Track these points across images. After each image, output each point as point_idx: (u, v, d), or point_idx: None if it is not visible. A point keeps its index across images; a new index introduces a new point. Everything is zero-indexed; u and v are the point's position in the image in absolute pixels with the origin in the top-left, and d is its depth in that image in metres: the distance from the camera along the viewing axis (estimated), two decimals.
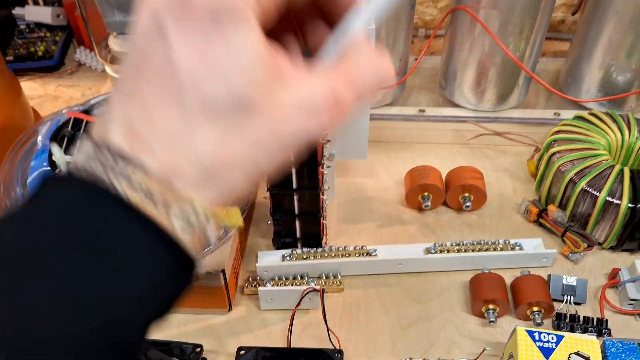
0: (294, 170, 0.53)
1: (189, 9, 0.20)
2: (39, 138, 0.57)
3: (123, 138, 0.21)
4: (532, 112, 0.73)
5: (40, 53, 0.90)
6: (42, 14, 0.92)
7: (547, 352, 0.45)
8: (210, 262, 0.51)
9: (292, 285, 0.56)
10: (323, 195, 0.61)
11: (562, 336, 0.46)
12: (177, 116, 0.20)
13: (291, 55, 0.23)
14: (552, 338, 0.46)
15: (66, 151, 0.53)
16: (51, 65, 0.90)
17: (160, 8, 0.21)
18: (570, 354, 0.45)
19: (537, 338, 0.46)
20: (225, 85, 0.20)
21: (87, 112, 0.57)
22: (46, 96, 0.87)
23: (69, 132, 0.54)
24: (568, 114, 0.70)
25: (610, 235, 0.59)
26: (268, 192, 0.55)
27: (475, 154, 0.73)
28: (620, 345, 0.46)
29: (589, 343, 0.46)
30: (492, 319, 0.53)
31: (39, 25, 0.94)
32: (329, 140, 0.61)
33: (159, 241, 0.20)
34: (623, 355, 0.46)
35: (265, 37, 0.21)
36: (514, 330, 0.47)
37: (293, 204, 0.57)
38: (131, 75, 0.22)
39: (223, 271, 0.52)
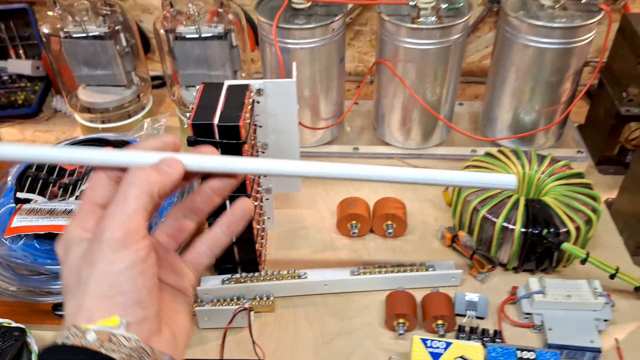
0: (227, 202, 0.61)
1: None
2: (9, 178, 0.66)
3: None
4: (452, 150, 0.82)
5: (20, 101, 1.00)
6: (23, 67, 1.01)
7: (436, 356, 0.53)
8: None
9: (229, 305, 0.64)
10: (260, 224, 0.69)
11: (451, 343, 0.54)
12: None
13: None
14: (442, 344, 0.53)
15: (29, 189, 0.61)
16: (30, 112, 0.99)
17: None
18: (456, 358, 0.53)
19: (429, 345, 0.53)
20: None
21: None
22: (23, 141, 0.95)
23: (32, 172, 0.62)
24: (483, 150, 0.79)
25: (510, 257, 0.67)
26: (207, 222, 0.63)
27: (404, 186, 0.81)
28: (500, 349, 0.54)
29: (474, 349, 0.53)
30: (401, 332, 0.61)
31: (20, 76, 1.03)
32: (265, 175, 0.70)
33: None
34: (502, 358, 0.53)
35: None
36: (412, 339, 0.55)
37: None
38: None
39: None
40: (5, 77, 1.04)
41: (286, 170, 0.36)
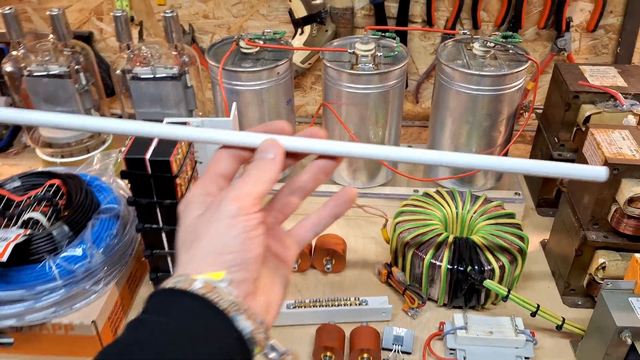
0: (164, 235, 0.64)
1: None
2: None
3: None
4: (396, 189, 0.85)
5: None
6: None
7: None
8: (81, 314, 0.61)
9: None
10: None
11: None
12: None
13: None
14: None
15: None
16: None
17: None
18: None
19: None
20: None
21: (0, 186, 0.69)
22: None
23: None
24: (424, 191, 0.82)
25: (439, 294, 0.69)
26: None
27: (350, 224, 0.84)
28: None
29: None
30: None
31: None
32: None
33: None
34: None
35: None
36: None
37: (167, 265, 0.67)
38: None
39: (94, 322, 0.61)
40: None
41: (381, 155, 0.38)
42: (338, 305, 0.69)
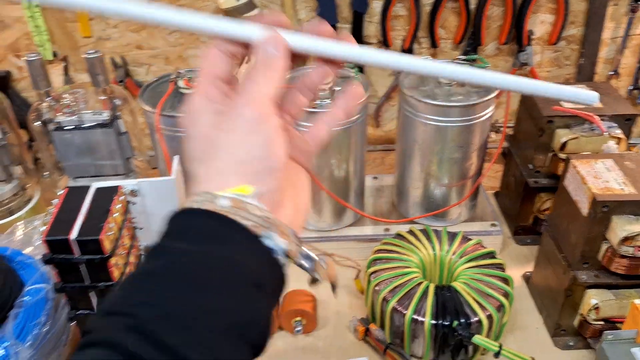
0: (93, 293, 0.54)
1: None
2: None
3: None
4: (364, 229, 0.78)
5: None
6: None
7: None
8: None
9: None
10: None
11: None
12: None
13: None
14: None
15: None
16: None
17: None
18: None
19: None
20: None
21: None
22: None
23: None
24: (397, 228, 0.75)
25: (424, 351, 0.62)
26: None
27: None
28: None
29: None
30: None
31: None
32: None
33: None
34: None
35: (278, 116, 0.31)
36: None
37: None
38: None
39: None
40: None
41: (386, 62, 0.34)
42: None
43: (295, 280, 0.75)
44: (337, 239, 0.77)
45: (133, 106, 0.77)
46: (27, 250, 0.64)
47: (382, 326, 0.65)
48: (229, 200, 0.29)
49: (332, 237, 0.77)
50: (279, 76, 0.31)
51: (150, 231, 0.59)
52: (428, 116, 0.68)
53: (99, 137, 0.71)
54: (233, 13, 0.85)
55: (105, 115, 0.71)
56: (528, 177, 0.74)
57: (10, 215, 0.77)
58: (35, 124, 0.70)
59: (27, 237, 0.65)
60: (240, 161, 0.30)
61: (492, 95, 0.68)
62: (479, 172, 0.75)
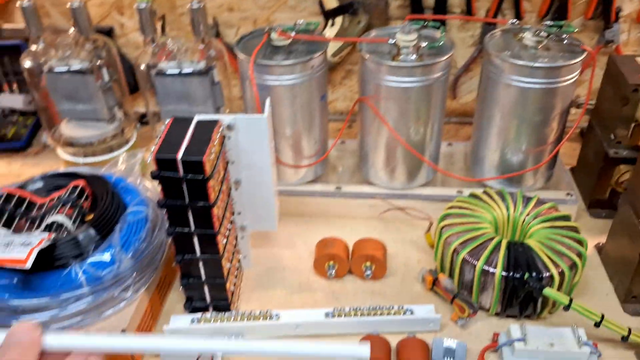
0: (195, 239, 0.60)
1: None
2: None
3: None
4: (437, 190, 0.80)
5: (9, 135, 1.00)
6: (15, 101, 1.02)
7: None
8: (110, 323, 0.57)
9: None
10: (233, 262, 0.67)
11: None
12: None
13: None
14: None
15: None
16: (19, 146, 0.99)
17: None
18: None
19: None
20: None
21: (22, 187, 0.65)
22: (10, 174, 0.95)
23: None
24: (470, 191, 0.77)
25: (492, 302, 0.64)
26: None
27: (388, 227, 0.79)
28: None
29: None
30: None
31: (13, 111, 1.04)
32: (239, 213, 0.68)
33: None
34: None
35: None
36: None
37: (199, 270, 0.62)
38: None
39: (124, 331, 0.57)
40: None
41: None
42: (381, 315, 0.64)
43: (366, 229, 0.79)
44: (409, 197, 0.79)
45: (225, 60, 0.82)
46: (128, 180, 0.70)
47: (450, 277, 0.67)
48: None
49: (404, 194, 0.80)
50: None
51: (240, 166, 0.64)
52: (512, 77, 0.70)
53: (195, 84, 0.77)
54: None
55: (202, 65, 0.77)
56: (608, 147, 0.74)
57: (111, 153, 0.85)
58: (141, 67, 0.77)
59: (129, 168, 0.71)
60: None
61: (579, 58, 0.68)
62: (558, 139, 0.76)
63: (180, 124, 0.59)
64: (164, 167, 0.54)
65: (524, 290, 0.61)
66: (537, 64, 0.69)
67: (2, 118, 1.04)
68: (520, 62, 0.69)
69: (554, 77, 0.69)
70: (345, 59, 1.00)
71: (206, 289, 0.64)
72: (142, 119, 1.03)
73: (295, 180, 0.82)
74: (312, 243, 0.76)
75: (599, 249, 0.74)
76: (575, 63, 0.69)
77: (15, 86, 1.03)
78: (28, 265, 0.50)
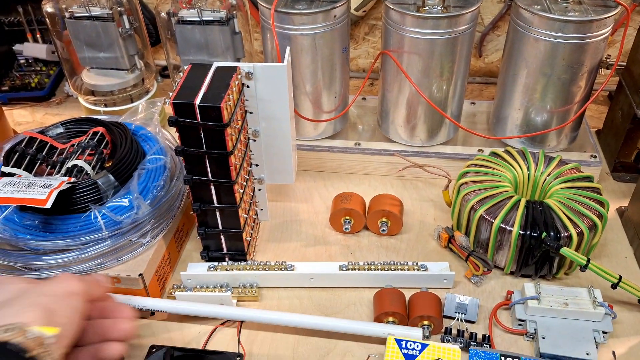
0: (213, 188, 0.60)
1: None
2: (2, 154, 0.66)
3: None
4: (457, 149, 0.78)
5: (33, 84, 1.01)
6: (38, 50, 1.03)
7: (410, 358, 0.50)
8: (128, 267, 0.58)
9: (212, 292, 0.62)
10: (250, 213, 0.67)
11: (427, 345, 0.51)
12: None
13: None
14: (417, 346, 0.51)
15: (16, 164, 0.61)
16: (42, 95, 1.00)
17: None
18: None
19: (403, 346, 0.51)
20: None
21: (43, 132, 0.65)
22: (33, 122, 0.97)
23: (20, 148, 0.62)
24: (491, 151, 0.75)
25: (507, 261, 0.63)
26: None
27: (406, 185, 0.79)
28: (483, 354, 0.51)
29: (451, 351, 0.50)
30: None
31: (36, 60, 1.05)
32: (257, 165, 0.68)
33: None
34: None
35: None
36: (387, 338, 0.52)
37: (216, 220, 0.63)
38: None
39: (141, 275, 0.58)
40: (22, 60, 1.05)
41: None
42: (395, 270, 0.64)
43: (383, 185, 0.78)
44: (428, 154, 0.78)
45: (246, 10, 0.81)
46: (147, 129, 0.71)
47: (466, 235, 0.66)
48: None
49: (424, 152, 0.79)
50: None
51: (258, 117, 0.64)
52: (541, 31, 0.67)
53: (215, 33, 0.76)
54: None
55: (223, 14, 0.75)
56: (638, 109, 0.71)
57: (131, 103, 0.85)
58: (162, 14, 0.76)
59: (148, 117, 0.71)
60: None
61: (612, 13, 0.65)
62: (585, 99, 0.73)
63: (199, 70, 0.59)
64: (181, 113, 0.54)
65: (540, 249, 0.60)
66: (568, 17, 0.66)
67: (26, 67, 1.05)
68: (551, 16, 0.66)
69: (585, 32, 0.66)
70: (368, 14, 0.97)
71: (223, 238, 0.65)
72: (163, 72, 1.03)
73: (314, 135, 0.81)
74: (329, 198, 0.76)
75: (621, 212, 0.72)
76: (608, 17, 0.66)
77: (38, 35, 1.04)
78: (48, 205, 0.51)
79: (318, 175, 0.81)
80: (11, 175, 0.58)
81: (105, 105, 0.85)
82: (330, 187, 0.79)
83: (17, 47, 1.04)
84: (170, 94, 0.55)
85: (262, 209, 0.72)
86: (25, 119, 0.97)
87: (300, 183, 0.79)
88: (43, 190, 0.52)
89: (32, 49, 1.03)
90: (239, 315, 0.59)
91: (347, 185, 0.79)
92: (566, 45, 0.67)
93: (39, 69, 1.05)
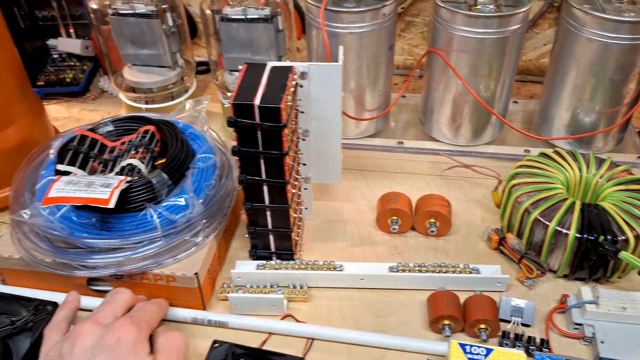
0: (265, 188, 0.60)
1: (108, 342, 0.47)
2: (52, 151, 0.66)
3: None
4: (503, 149, 0.78)
5: (68, 80, 1.01)
6: (73, 46, 1.02)
7: None
8: (182, 266, 0.58)
9: (262, 293, 0.62)
10: (298, 213, 0.67)
11: (491, 349, 0.50)
12: None
13: None
14: (482, 351, 0.50)
15: (70, 162, 0.61)
16: (77, 91, 1.00)
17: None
18: None
19: (467, 350, 0.50)
20: None
21: (93, 130, 0.65)
22: (70, 118, 0.96)
23: (74, 146, 0.62)
24: (537, 151, 0.75)
25: (562, 264, 0.62)
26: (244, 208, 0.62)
27: (450, 185, 0.78)
28: (549, 359, 0.50)
29: (516, 357, 0.49)
30: (447, 334, 0.57)
31: (70, 55, 1.05)
32: (304, 164, 0.67)
33: None
34: None
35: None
36: (450, 343, 0.52)
37: (266, 219, 0.63)
38: None
39: (196, 274, 0.58)
40: (56, 55, 1.05)
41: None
42: (446, 272, 0.63)
43: (427, 185, 0.78)
44: (474, 154, 0.78)
45: (289, 7, 0.80)
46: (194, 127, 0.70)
47: (518, 237, 0.66)
48: None
49: (470, 152, 0.78)
50: None
51: (310, 116, 0.63)
52: (594, 31, 0.66)
53: (260, 31, 0.75)
54: None
55: (267, 11, 0.75)
56: None
57: (172, 100, 0.85)
58: (207, 11, 0.75)
59: (194, 115, 0.71)
60: None
61: None
62: (634, 101, 0.72)
63: (254, 70, 0.58)
64: (241, 114, 0.54)
65: (597, 253, 0.60)
66: (622, 18, 0.65)
67: (60, 62, 1.04)
68: (605, 16, 0.65)
69: (638, 33, 0.65)
70: (406, 10, 0.97)
71: (272, 237, 0.64)
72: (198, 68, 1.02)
73: (355, 133, 0.81)
74: (372, 197, 0.75)
75: None
76: None
77: (72, 31, 1.03)
78: (111, 205, 0.51)
79: (360, 174, 0.80)
80: (67, 173, 0.58)
81: (146, 102, 0.84)
82: (374, 187, 0.78)
83: (51, 41, 1.04)
84: (229, 94, 0.54)
85: (306, 208, 0.72)
86: (61, 115, 0.97)
87: (342, 182, 0.78)
88: (104, 189, 0.52)
89: (67, 44, 1.03)
90: (303, 332, 0.59)
91: (390, 184, 0.78)
92: (619, 46, 0.66)
93: (72, 64, 1.04)
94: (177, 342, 0.50)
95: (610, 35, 0.66)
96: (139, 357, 0.46)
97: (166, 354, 0.48)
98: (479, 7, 0.67)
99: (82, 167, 0.61)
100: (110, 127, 0.66)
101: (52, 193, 0.51)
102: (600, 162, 0.68)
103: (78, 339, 0.46)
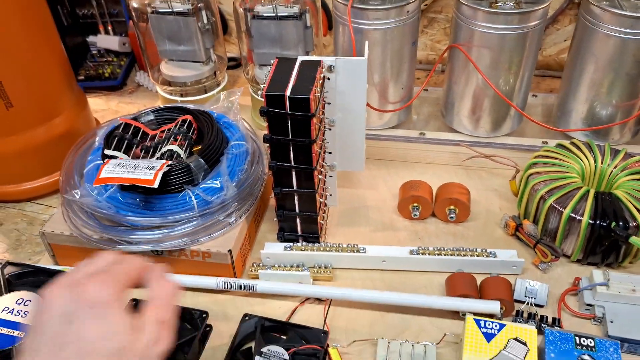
0: (294, 174, 0.64)
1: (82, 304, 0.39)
2: (97, 138, 0.71)
3: None
4: (521, 140, 0.81)
5: (106, 74, 1.07)
6: (111, 42, 1.08)
7: (489, 337, 0.53)
8: (217, 243, 0.63)
9: (291, 271, 0.66)
10: (323, 198, 0.71)
11: (504, 324, 0.54)
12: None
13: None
14: (495, 326, 0.54)
15: (115, 147, 0.66)
16: (115, 85, 1.06)
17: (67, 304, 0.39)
18: (510, 339, 0.53)
19: (482, 325, 0.54)
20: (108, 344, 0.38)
21: (135, 119, 0.70)
22: (108, 110, 1.02)
23: (119, 133, 0.67)
24: (555, 143, 0.77)
25: (575, 249, 0.65)
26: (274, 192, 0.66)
27: (469, 174, 0.81)
28: (558, 334, 0.53)
29: (527, 331, 0.53)
30: (463, 313, 0.61)
31: (108, 51, 1.11)
32: (330, 152, 0.72)
33: None
34: (559, 342, 0.53)
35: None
36: (466, 319, 0.55)
37: (294, 203, 0.67)
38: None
39: (230, 251, 0.63)
40: (95, 52, 1.11)
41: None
42: (464, 256, 0.67)
43: (447, 174, 0.81)
44: (493, 145, 0.81)
45: (318, 5, 0.84)
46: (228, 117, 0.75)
47: (534, 224, 0.69)
48: None
49: (489, 143, 0.81)
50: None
51: (335, 108, 0.67)
52: (611, 27, 0.69)
53: (288, 28, 0.79)
54: None
55: (296, 9, 0.79)
56: None
57: (205, 93, 0.90)
58: (240, 10, 0.80)
59: (227, 106, 0.76)
60: None
61: None
62: None
63: (285, 64, 0.62)
64: (272, 104, 0.58)
65: (609, 238, 0.63)
66: (639, 14, 0.67)
67: (98, 58, 1.11)
68: (622, 12, 0.68)
69: None
70: (429, 7, 1.00)
71: (299, 221, 0.69)
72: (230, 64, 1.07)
73: (379, 124, 0.84)
74: (394, 185, 0.79)
75: None
76: None
77: (110, 28, 1.09)
78: (156, 184, 0.56)
79: (382, 164, 0.84)
80: (114, 158, 0.63)
81: (181, 95, 0.90)
82: (395, 176, 0.82)
83: (90, 38, 1.10)
84: (263, 85, 0.59)
85: (331, 195, 0.76)
86: (100, 107, 1.03)
87: (366, 171, 0.82)
88: (149, 171, 0.57)
89: (105, 40, 1.09)
90: (328, 294, 0.63)
91: (411, 173, 0.82)
92: (636, 42, 0.68)
93: (110, 59, 1.10)
94: (167, 290, 0.43)
95: (628, 31, 0.68)
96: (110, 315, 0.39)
97: (156, 305, 0.42)
98: (499, 3, 0.71)
99: (126, 152, 0.67)
100: (151, 117, 0.71)
101: (103, 174, 0.56)
102: (615, 153, 0.71)
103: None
